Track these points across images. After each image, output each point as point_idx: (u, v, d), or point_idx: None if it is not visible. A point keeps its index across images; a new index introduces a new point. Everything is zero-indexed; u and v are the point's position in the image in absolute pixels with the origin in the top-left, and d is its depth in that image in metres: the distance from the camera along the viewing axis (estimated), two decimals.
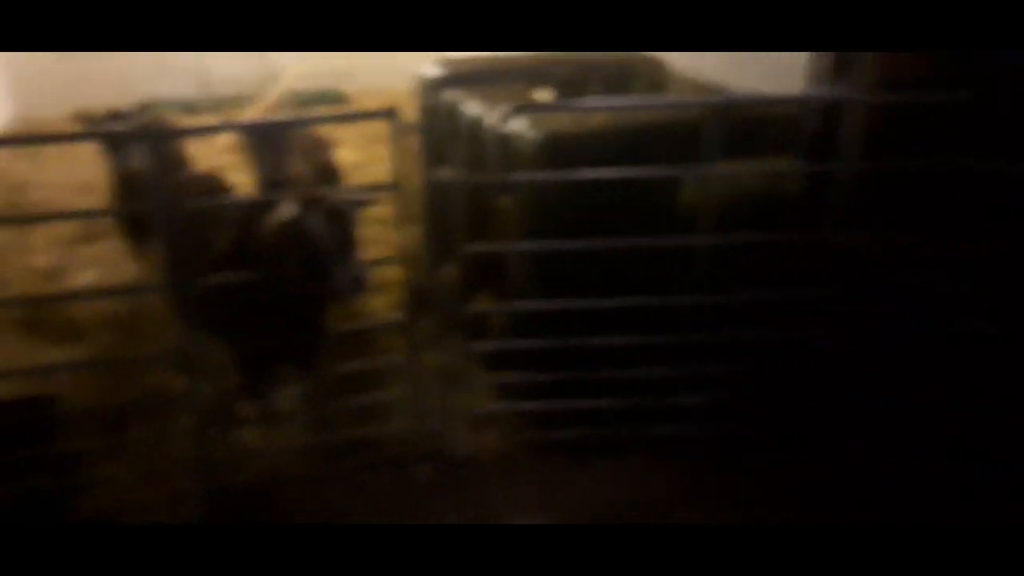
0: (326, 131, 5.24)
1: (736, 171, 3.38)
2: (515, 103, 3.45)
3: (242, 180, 5.45)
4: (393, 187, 3.07)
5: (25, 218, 6.21)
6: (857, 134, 3.24)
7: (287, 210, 2.78)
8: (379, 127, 7.53)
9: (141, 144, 4.04)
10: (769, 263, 3.50)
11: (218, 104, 8.32)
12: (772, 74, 3.90)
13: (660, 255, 3.28)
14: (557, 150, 3.25)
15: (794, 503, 3.17)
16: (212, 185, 3.90)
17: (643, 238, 3.19)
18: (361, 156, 6.83)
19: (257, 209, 2.98)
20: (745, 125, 3.44)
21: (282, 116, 7.08)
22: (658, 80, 4.47)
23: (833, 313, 3.34)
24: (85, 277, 5.11)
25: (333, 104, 8.90)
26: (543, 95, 4.34)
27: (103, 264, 5.25)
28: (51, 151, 7.49)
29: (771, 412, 3.36)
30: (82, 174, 6.89)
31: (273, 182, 3.65)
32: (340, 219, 2.78)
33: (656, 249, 3.24)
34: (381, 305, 4.60)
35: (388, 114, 3.01)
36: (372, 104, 8.77)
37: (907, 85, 3.08)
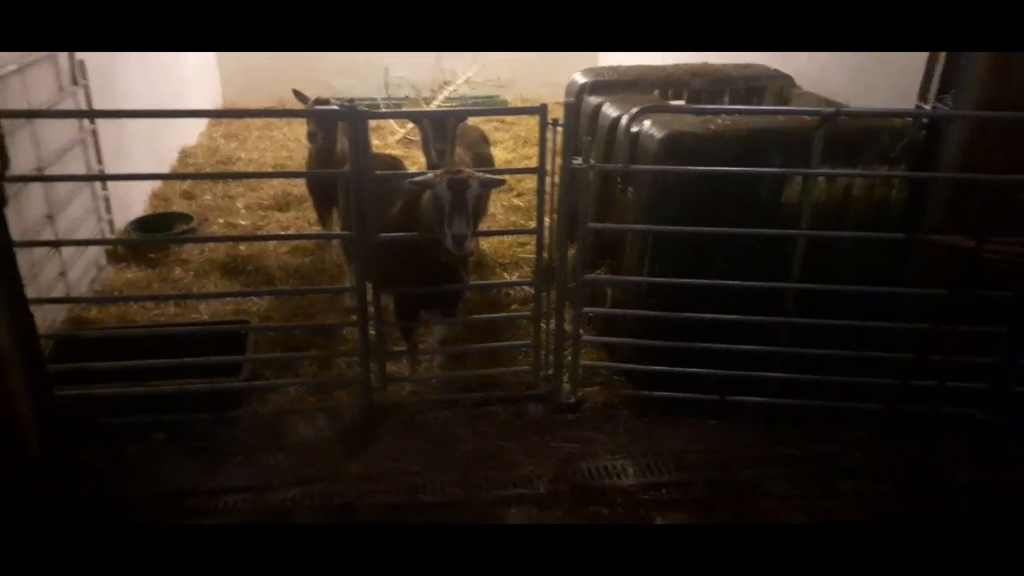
0: (487, 130, 6.00)
1: (837, 174, 3.73)
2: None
3: (410, 167, 6.33)
4: (534, 170, 3.66)
5: (236, 174, 7.33)
6: (958, 147, 3.55)
7: (424, 177, 3.46)
8: (529, 132, 8.42)
9: (338, 126, 4.91)
10: (864, 258, 3.83)
11: (397, 104, 9.32)
12: (891, 91, 4.20)
13: (761, 245, 3.71)
14: (678, 147, 3.72)
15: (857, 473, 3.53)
16: (391, 163, 4.67)
17: (747, 229, 3.63)
18: (511, 155, 7.61)
19: (419, 184, 3.66)
20: (856, 135, 3.79)
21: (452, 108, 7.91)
22: (785, 94, 4.84)
23: (923, 307, 3.63)
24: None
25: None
26: (677, 103, 4.83)
27: (291, 228, 6.24)
28: (251, 133, 8.75)
29: (846, 392, 3.70)
30: (277, 155, 8.08)
31: (437, 166, 4.36)
32: (460, 188, 3.38)
33: (758, 239, 3.67)
34: (517, 275, 5.30)
35: (539, 110, 3.60)
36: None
37: (1005, 105, 3.34)
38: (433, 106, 9.05)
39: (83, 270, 5.23)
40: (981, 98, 3.43)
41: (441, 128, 4.48)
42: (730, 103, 4.91)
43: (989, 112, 3.42)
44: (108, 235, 5.71)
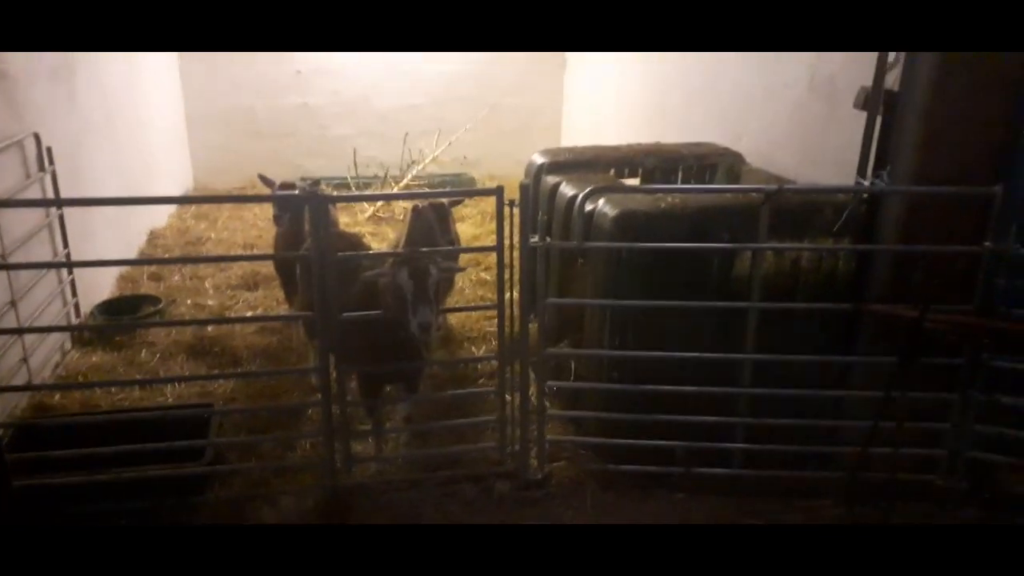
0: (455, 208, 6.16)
1: (781, 248, 3.87)
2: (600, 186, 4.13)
3: (378, 244, 6.42)
4: (492, 248, 3.76)
5: (199, 258, 7.38)
6: (896, 220, 3.72)
7: (381, 269, 3.53)
8: (495, 209, 8.55)
9: (304, 208, 4.99)
10: (816, 329, 3.95)
11: (366, 183, 9.50)
12: (835, 166, 4.39)
13: (717, 316, 3.81)
14: (630, 225, 3.85)
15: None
16: (352, 243, 4.76)
17: (700, 302, 3.74)
18: (479, 231, 7.78)
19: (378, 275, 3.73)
20: (800, 210, 3.95)
21: (414, 191, 8.11)
22: (735, 170, 5.03)
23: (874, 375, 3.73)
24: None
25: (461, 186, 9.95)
26: (631, 182, 5.00)
27: (260, 308, 6.27)
28: (222, 214, 8.84)
29: (808, 463, 3.76)
30: (247, 234, 8.16)
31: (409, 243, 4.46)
32: (421, 276, 3.49)
33: (713, 311, 3.78)
34: (484, 349, 5.35)
35: (496, 191, 3.73)
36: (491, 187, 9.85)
37: (936, 180, 3.53)
38: (402, 184, 9.24)
39: (47, 355, 5.20)
40: (914, 173, 3.61)
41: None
42: (683, 180, 5.10)
43: (922, 187, 3.60)
44: (74, 319, 5.70)
